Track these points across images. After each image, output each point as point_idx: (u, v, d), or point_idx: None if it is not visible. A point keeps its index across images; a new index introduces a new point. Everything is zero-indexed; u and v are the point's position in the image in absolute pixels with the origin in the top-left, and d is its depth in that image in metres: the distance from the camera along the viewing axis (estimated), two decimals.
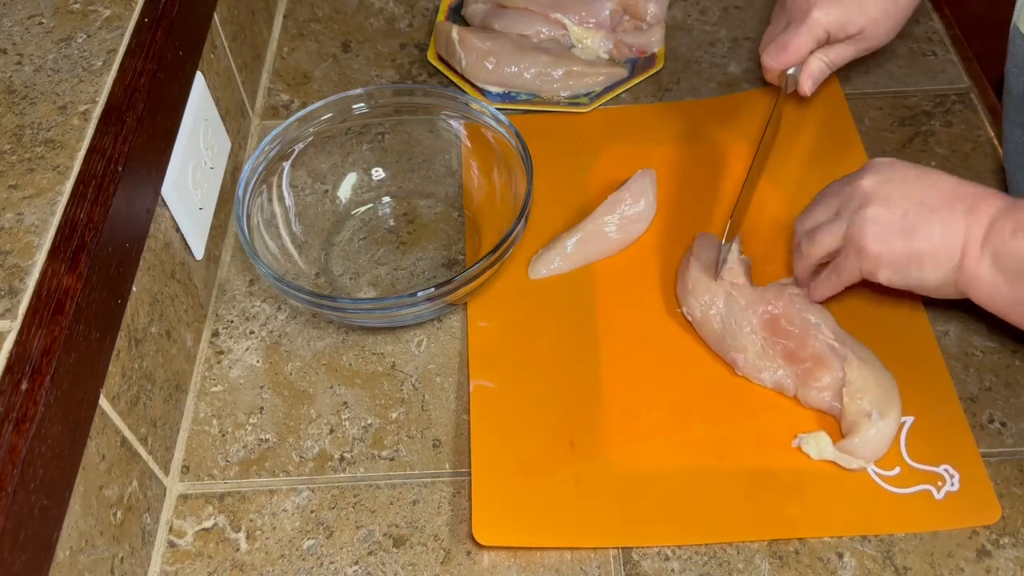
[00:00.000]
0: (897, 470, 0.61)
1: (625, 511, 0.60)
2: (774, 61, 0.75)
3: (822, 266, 0.65)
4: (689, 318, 0.68)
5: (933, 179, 0.60)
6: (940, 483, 0.60)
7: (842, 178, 0.65)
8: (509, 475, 0.62)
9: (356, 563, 0.60)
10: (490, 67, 0.85)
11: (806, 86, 0.76)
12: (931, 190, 0.59)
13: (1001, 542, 0.59)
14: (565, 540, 0.60)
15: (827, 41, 0.73)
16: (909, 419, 0.63)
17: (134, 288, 0.58)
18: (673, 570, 0.59)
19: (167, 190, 0.63)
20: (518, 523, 0.60)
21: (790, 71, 0.76)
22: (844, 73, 0.86)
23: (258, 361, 0.70)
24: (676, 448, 0.63)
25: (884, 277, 0.60)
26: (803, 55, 0.74)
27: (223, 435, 0.66)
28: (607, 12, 0.88)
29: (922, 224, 0.58)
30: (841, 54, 0.74)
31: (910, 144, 0.81)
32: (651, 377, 0.67)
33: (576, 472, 0.62)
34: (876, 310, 0.69)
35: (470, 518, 0.61)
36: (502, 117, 0.72)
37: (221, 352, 0.70)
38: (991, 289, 0.57)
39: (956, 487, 0.60)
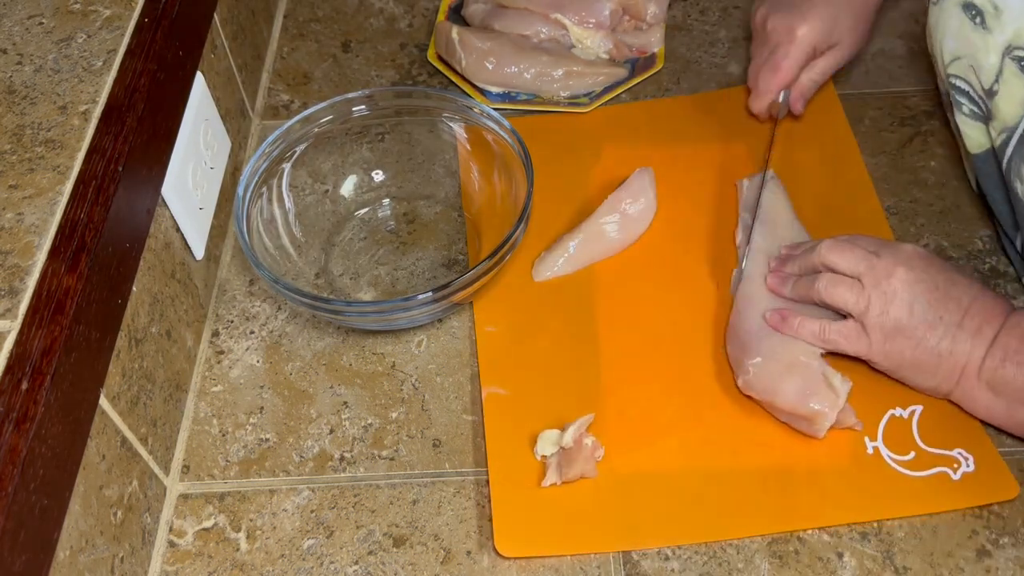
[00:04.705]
0: (912, 455, 0.62)
1: (639, 514, 0.60)
2: (770, 84, 0.77)
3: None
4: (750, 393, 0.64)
5: (957, 291, 0.60)
6: (956, 465, 0.61)
7: (878, 241, 0.63)
8: (527, 484, 0.62)
9: (356, 563, 0.60)
10: (490, 67, 0.85)
11: (799, 105, 0.79)
12: (952, 304, 0.59)
13: (1001, 542, 0.59)
14: (584, 546, 0.59)
15: (813, 56, 0.76)
16: (918, 408, 0.64)
17: (134, 288, 0.58)
18: (673, 570, 0.59)
19: (167, 190, 0.63)
20: (538, 532, 0.60)
21: (781, 97, 0.78)
22: (844, 73, 0.86)
23: (258, 361, 0.70)
24: (686, 448, 0.63)
25: (876, 363, 0.63)
26: (795, 73, 0.77)
27: (223, 435, 0.66)
28: (607, 12, 0.88)
29: (934, 339, 0.59)
30: (823, 69, 0.77)
31: (910, 144, 0.81)
32: (654, 378, 0.67)
33: (594, 477, 0.62)
34: None
35: (470, 518, 0.61)
36: (502, 119, 0.72)
37: (221, 352, 0.70)
38: (987, 409, 0.61)
39: (972, 468, 0.61)
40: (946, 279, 0.60)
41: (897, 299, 0.60)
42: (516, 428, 0.64)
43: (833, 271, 0.63)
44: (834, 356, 0.64)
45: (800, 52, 0.75)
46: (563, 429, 0.62)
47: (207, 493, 0.63)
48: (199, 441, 0.66)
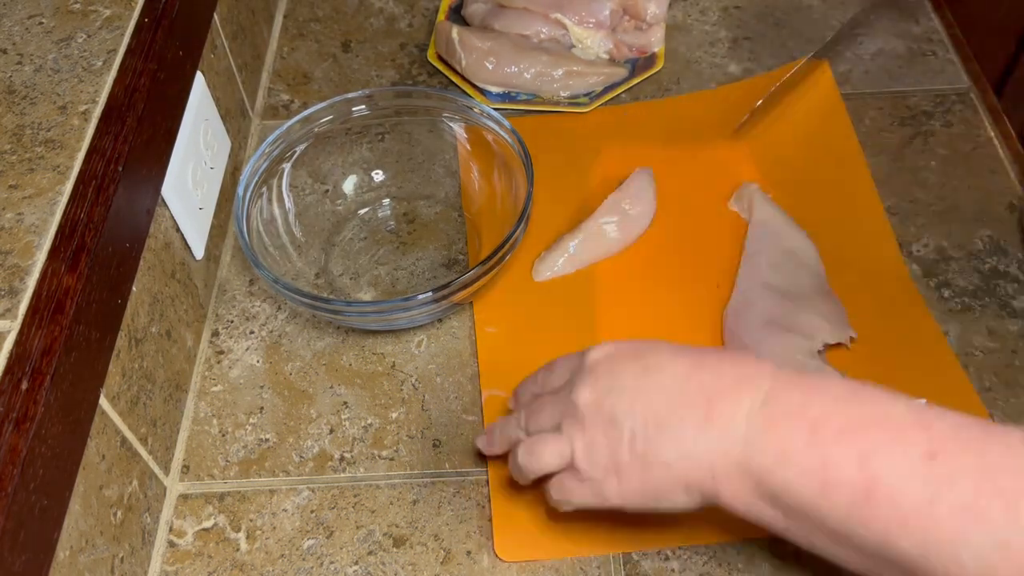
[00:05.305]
0: None
1: (639, 514, 0.60)
2: None
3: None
4: None
5: (659, 379, 0.47)
6: None
7: (569, 359, 0.53)
8: (525, 487, 0.62)
9: (356, 563, 0.60)
10: (490, 67, 0.85)
11: None
12: (657, 395, 0.47)
13: None
14: (584, 548, 0.59)
15: None
16: (921, 402, 0.63)
17: (134, 288, 0.58)
18: (673, 570, 0.58)
19: (167, 190, 0.63)
20: (537, 534, 0.60)
21: None
22: (844, 73, 0.86)
23: (258, 361, 0.70)
24: None
25: (630, 509, 0.50)
26: None
27: (223, 435, 0.66)
28: (607, 12, 0.88)
29: (652, 450, 0.46)
30: None
31: (910, 144, 0.81)
32: None
33: None
34: (880, 309, 0.69)
35: (470, 518, 0.61)
36: (502, 119, 0.72)
37: (221, 352, 0.70)
38: (771, 522, 0.46)
39: None
40: (640, 368, 0.48)
41: (587, 423, 0.48)
42: None
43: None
44: (832, 353, 0.64)
45: None
46: None
47: (207, 493, 0.63)
48: (199, 441, 0.66)
